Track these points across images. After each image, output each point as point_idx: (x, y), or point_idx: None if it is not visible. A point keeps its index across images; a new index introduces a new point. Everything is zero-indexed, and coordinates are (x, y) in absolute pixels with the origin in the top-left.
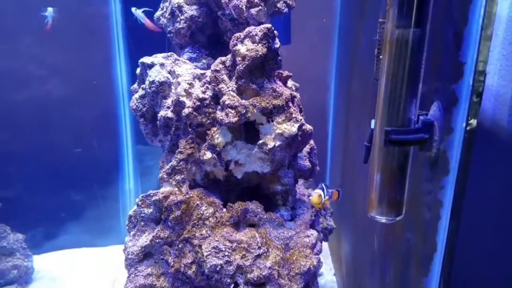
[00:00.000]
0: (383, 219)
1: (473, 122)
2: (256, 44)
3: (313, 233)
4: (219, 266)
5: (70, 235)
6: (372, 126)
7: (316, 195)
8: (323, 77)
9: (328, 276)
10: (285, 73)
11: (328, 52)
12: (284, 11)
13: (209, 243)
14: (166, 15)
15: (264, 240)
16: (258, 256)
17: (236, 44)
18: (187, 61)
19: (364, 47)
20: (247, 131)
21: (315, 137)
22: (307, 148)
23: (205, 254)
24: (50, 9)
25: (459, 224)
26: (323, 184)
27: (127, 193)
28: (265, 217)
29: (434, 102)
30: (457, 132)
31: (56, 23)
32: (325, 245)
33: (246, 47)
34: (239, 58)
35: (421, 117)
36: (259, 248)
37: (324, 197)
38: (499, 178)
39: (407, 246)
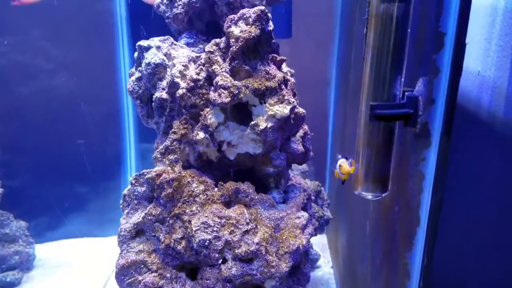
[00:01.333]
0: (369, 195)
1: (454, 92)
2: (249, 26)
3: (304, 214)
4: (208, 241)
5: (72, 226)
6: None
7: (346, 164)
8: (324, 72)
9: (325, 269)
10: (279, 57)
11: (329, 47)
12: None
13: (199, 219)
14: (165, 1)
15: (253, 217)
16: (246, 232)
17: (230, 26)
18: (184, 45)
19: (361, 39)
20: (240, 112)
21: (316, 133)
22: (300, 133)
23: (194, 229)
24: None
25: (442, 197)
26: (340, 156)
27: (129, 185)
28: (256, 197)
29: (420, 78)
30: (438, 103)
31: (63, 18)
32: (323, 239)
33: (240, 28)
34: (233, 40)
35: (406, 93)
36: (247, 224)
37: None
38: (497, 168)
39: (394, 225)
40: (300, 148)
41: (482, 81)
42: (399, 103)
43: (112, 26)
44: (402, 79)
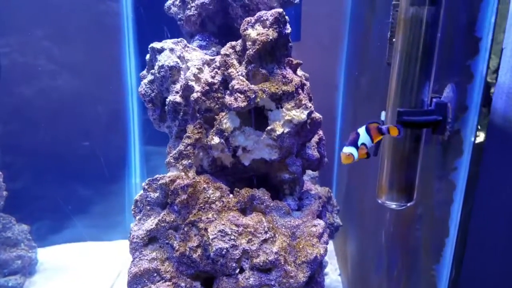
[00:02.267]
0: (393, 205)
1: (489, 100)
2: (267, 29)
3: (320, 222)
4: (225, 250)
5: (75, 229)
6: (382, 117)
7: (345, 155)
8: (332, 76)
9: (333, 276)
10: (296, 60)
11: (337, 51)
12: (296, 1)
13: (215, 227)
14: (177, 3)
15: (271, 225)
16: (265, 240)
17: (246, 29)
18: (197, 48)
19: (374, 45)
20: (255, 117)
21: (324, 136)
22: (315, 138)
23: (210, 237)
24: None
25: (472, 208)
26: (359, 130)
27: (133, 188)
28: (271, 205)
29: (448, 84)
30: (472, 110)
31: (66, 18)
32: (330, 245)
33: (257, 31)
34: (249, 43)
35: (434, 99)
36: (266, 233)
37: (357, 153)
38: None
39: (416, 235)
40: (316, 154)
41: (497, 86)
42: (427, 109)
43: (118, 26)
44: (431, 85)
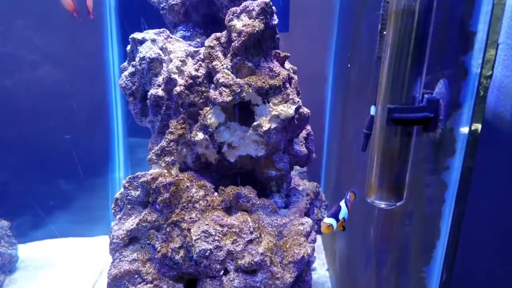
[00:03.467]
0: (382, 204)
1: (483, 95)
2: (253, 20)
3: (308, 221)
4: (209, 251)
5: (57, 225)
6: (372, 112)
7: (325, 226)
8: (321, 69)
9: (321, 271)
10: (283, 53)
11: (326, 43)
12: None
13: (199, 227)
14: None
15: (256, 225)
16: (250, 241)
17: (232, 19)
18: (181, 39)
19: (364, 38)
20: (241, 112)
21: (312, 130)
22: (303, 134)
23: (194, 238)
24: None
25: (465, 208)
26: (341, 203)
27: (117, 183)
28: (258, 202)
29: (440, 80)
30: (465, 107)
31: (50, 8)
32: (318, 240)
33: (243, 22)
34: (235, 34)
35: (425, 95)
36: (251, 233)
37: (338, 221)
38: (503, 171)
39: (406, 234)
40: (304, 150)
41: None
42: (418, 106)
43: (101, 16)
44: (423, 81)
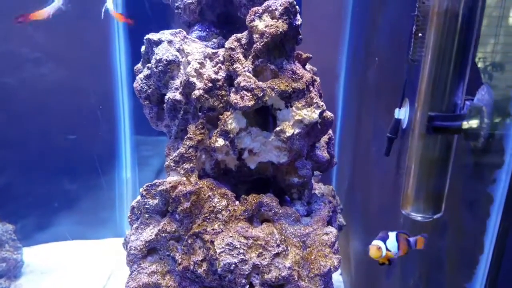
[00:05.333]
0: (418, 217)
1: None
2: (276, 20)
3: (332, 230)
4: (233, 265)
5: (62, 227)
6: (396, 115)
7: (375, 247)
8: (332, 66)
9: (334, 276)
10: (305, 54)
11: (338, 39)
12: None
13: (223, 239)
14: None
15: (282, 237)
16: (277, 254)
17: (253, 20)
18: (196, 39)
19: (384, 31)
20: (262, 116)
21: None
22: (325, 138)
23: (218, 251)
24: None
25: (511, 223)
26: (390, 233)
27: (124, 182)
28: (280, 211)
29: (482, 85)
30: None
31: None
32: None
33: (265, 23)
34: (257, 35)
35: (467, 102)
36: (278, 246)
37: (386, 250)
38: None
39: (439, 246)
40: (325, 155)
41: None
42: (461, 114)
43: (107, 12)
44: (465, 87)
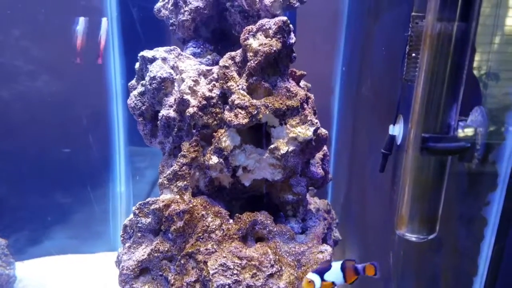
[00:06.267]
0: (413, 238)
1: None
2: (269, 39)
3: (327, 248)
4: (227, 286)
5: (56, 241)
6: (391, 132)
7: (306, 281)
8: (327, 79)
9: None
10: (299, 72)
11: (332, 53)
12: (296, 5)
13: (216, 260)
14: (169, 6)
15: (277, 257)
16: (271, 275)
17: (247, 38)
18: (191, 56)
19: (378, 47)
20: (256, 134)
21: None
22: (319, 154)
23: (211, 272)
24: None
25: (505, 246)
26: (334, 263)
27: (118, 196)
28: (275, 230)
29: (476, 107)
30: (509, 140)
31: (48, 16)
32: None
33: (259, 41)
34: (251, 54)
35: (460, 123)
36: (272, 266)
37: (322, 280)
38: None
39: (434, 266)
40: (320, 171)
41: None
42: (454, 135)
43: (101, 24)
44: (458, 108)
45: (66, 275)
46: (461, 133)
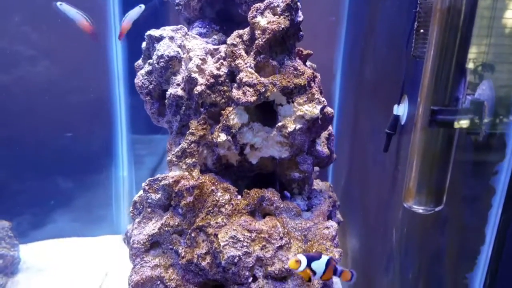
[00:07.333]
0: (420, 209)
1: None
2: (277, 16)
3: (333, 224)
4: (237, 258)
5: (58, 224)
6: (395, 112)
7: (294, 259)
8: (328, 65)
9: None
10: (306, 51)
11: (334, 37)
12: None
13: (226, 232)
14: None
15: (285, 230)
16: (280, 247)
17: (255, 16)
18: (197, 36)
19: (383, 30)
20: (263, 112)
21: None
22: (325, 134)
23: (221, 244)
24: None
25: None
26: (324, 256)
27: (121, 180)
28: (282, 206)
29: (483, 80)
30: None
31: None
32: None
33: (267, 19)
34: (259, 32)
35: (468, 97)
36: (281, 238)
37: (306, 266)
38: None
39: (438, 238)
40: (326, 150)
41: None
42: (463, 108)
43: (104, 8)
44: (467, 81)
45: (69, 257)
46: (469, 106)
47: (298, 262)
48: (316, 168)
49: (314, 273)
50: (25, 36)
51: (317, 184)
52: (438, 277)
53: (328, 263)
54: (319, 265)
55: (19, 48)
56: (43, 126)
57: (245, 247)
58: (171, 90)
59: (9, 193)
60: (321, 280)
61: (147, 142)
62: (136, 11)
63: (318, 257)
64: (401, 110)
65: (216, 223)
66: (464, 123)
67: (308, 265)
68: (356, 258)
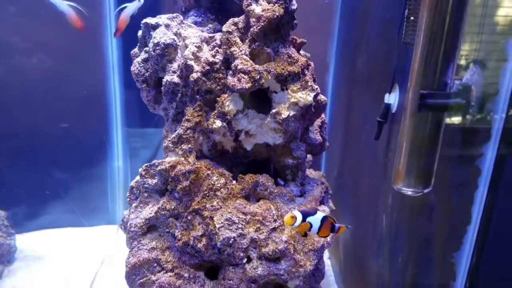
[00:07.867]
0: (409, 192)
1: None
2: (272, 4)
3: (325, 209)
4: (232, 239)
5: (54, 214)
6: (386, 100)
7: (290, 215)
8: (322, 56)
9: None
10: (299, 39)
11: (328, 28)
12: None
13: (222, 215)
14: None
15: (279, 213)
16: (274, 229)
17: (250, 4)
18: (193, 24)
19: (376, 20)
20: (258, 99)
21: None
22: (318, 122)
23: (217, 226)
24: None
25: (497, 195)
26: (319, 212)
27: (116, 171)
28: (275, 191)
29: (471, 66)
30: (502, 94)
31: None
32: None
33: (262, 7)
34: (254, 19)
35: (456, 81)
36: (275, 221)
37: (302, 221)
38: None
39: (427, 221)
40: (319, 138)
41: None
42: (450, 92)
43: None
44: (455, 67)
45: (65, 246)
46: (457, 90)
47: (294, 217)
48: (309, 158)
49: (310, 227)
50: (19, 28)
51: (310, 173)
52: (427, 259)
53: (323, 219)
54: (314, 221)
55: (13, 40)
56: (38, 117)
57: (239, 229)
58: (167, 77)
59: (4, 184)
60: (319, 237)
61: (141, 135)
62: (135, 5)
63: (313, 213)
64: (392, 98)
65: (212, 206)
66: (452, 107)
67: (304, 220)
68: (347, 244)
